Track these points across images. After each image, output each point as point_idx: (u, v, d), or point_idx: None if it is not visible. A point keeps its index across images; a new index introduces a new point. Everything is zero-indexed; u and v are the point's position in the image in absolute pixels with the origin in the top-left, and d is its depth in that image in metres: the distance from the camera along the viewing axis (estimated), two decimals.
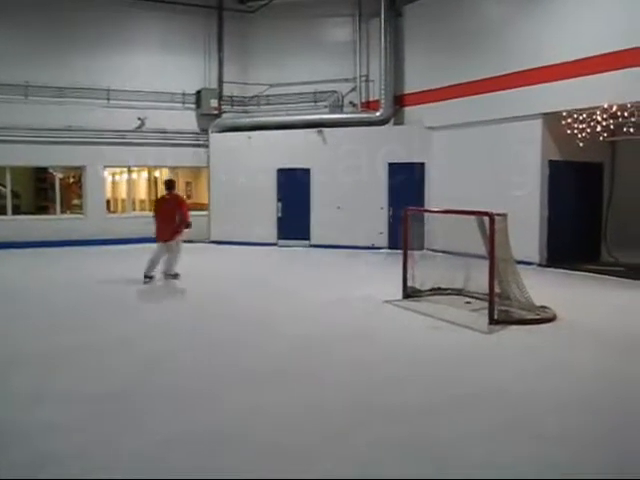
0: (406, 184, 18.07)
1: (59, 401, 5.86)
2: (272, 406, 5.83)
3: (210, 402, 5.93)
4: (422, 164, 18.13)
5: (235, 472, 4.51)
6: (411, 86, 18.83)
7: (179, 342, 8.18)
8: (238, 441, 5.03)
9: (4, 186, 19.72)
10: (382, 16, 18.71)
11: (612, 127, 13.64)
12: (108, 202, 21.91)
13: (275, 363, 7.24)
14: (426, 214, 13.84)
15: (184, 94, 20.78)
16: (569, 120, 14.02)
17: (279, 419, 5.52)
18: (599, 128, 13.63)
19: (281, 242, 19.51)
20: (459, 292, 10.97)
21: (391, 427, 5.36)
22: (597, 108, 13.33)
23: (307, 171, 19.29)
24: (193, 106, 20.94)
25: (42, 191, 22.89)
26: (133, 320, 9.52)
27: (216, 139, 20.41)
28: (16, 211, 19.74)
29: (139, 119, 20.08)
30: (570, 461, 4.73)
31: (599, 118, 13.53)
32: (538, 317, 9.26)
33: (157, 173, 23.17)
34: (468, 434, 5.19)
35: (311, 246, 19.16)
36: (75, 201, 21.86)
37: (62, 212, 20.11)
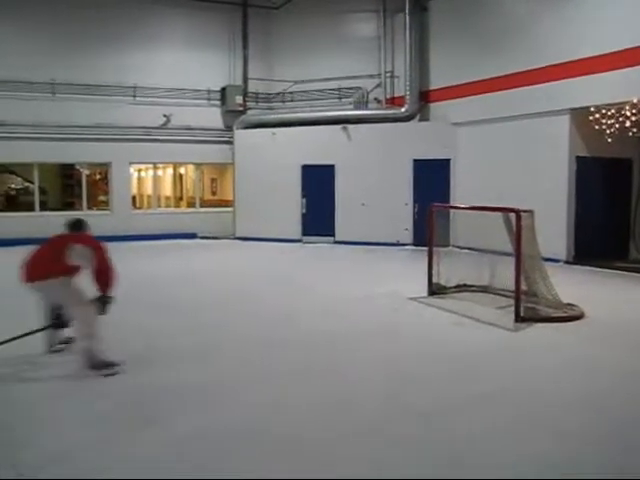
0: (431, 180, 17.99)
1: None
2: (295, 401, 5.82)
3: (235, 397, 5.94)
4: (447, 160, 18.02)
5: (256, 465, 4.53)
6: (436, 82, 18.71)
7: (205, 339, 8.19)
8: (261, 436, 5.03)
9: (32, 182, 19.95)
10: (407, 11, 18.60)
11: None
12: (134, 198, 22.07)
13: (300, 359, 7.24)
14: (452, 211, 13.75)
15: (209, 91, 20.85)
16: (597, 115, 13.83)
17: (300, 414, 5.51)
18: (628, 123, 13.43)
19: (306, 239, 19.51)
20: (485, 289, 10.89)
21: (412, 424, 5.33)
22: (626, 103, 13.14)
23: (332, 167, 19.25)
24: (218, 103, 21.00)
25: (69, 187, 23.13)
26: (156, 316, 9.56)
27: (241, 135, 20.44)
28: (43, 207, 19.96)
29: (165, 116, 20.17)
30: (592, 459, 4.67)
31: (628, 113, 13.34)
32: (565, 315, 9.16)
33: (182, 170, 23.31)
34: (489, 431, 5.15)
35: (336, 242, 19.14)
36: (101, 197, 22.05)
37: (88, 208, 20.30)
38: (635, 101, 12.87)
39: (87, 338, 6.48)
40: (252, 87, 21.23)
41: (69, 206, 22.13)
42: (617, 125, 13.62)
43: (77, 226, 7.13)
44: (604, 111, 13.74)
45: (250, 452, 4.75)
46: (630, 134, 13.76)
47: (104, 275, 6.53)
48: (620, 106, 13.35)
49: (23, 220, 18.97)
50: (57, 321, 6.96)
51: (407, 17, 18.61)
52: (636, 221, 15.38)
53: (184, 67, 20.39)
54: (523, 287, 9.22)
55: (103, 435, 5.03)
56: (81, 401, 5.83)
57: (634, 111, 13.22)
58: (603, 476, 4.44)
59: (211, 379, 6.48)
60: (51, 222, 18.75)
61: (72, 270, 6.62)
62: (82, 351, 6.55)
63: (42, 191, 20.20)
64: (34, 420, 5.36)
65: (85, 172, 20.42)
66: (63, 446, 4.81)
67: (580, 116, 14.20)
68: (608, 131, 13.75)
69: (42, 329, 6.94)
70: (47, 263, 6.60)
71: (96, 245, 6.68)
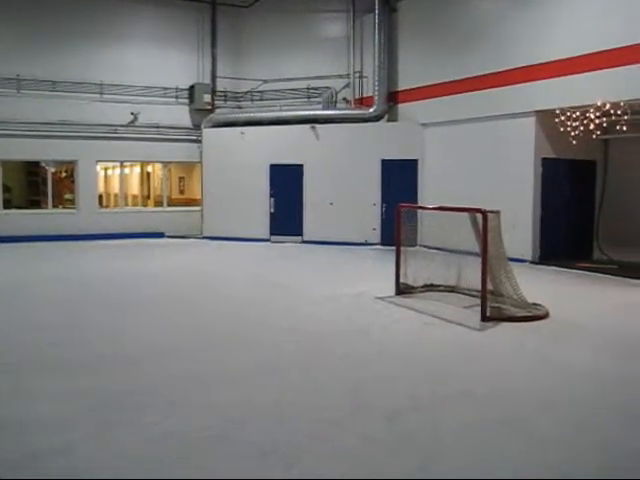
0: (399, 180, 18.09)
1: None
2: (261, 400, 5.80)
3: (205, 395, 5.91)
4: (415, 161, 18.13)
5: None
6: (405, 83, 18.80)
7: (176, 336, 8.14)
8: (227, 439, 5.01)
9: None
10: (376, 12, 18.65)
11: (605, 125, 13.64)
12: (100, 197, 21.84)
13: (266, 358, 7.21)
14: (419, 211, 13.84)
15: (177, 89, 20.74)
16: (562, 118, 14.01)
17: (266, 414, 5.50)
18: (592, 126, 13.63)
19: (274, 238, 19.48)
20: (452, 289, 10.98)
21: (378, 423, 5.35)
22: (590, 106, 13.32)
23: (300, 167, 19.26)
24: (186, 101, 20.90)
25: (34, 185, 22.78)
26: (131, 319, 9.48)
27: (209, 134, 20.35)
28: (7, 205, 19.66)
29: (132, 114, 20.02)
30: (560, 459, 4.71)
31: (592, 116, 13.54)
32: (530, 314, 9.26)
33: (150, 168, 23.13)
34: (456, 432, 5.18)
35: (304, 242, 19.15)
36: (67, 195, 21.77)
37: (54, 206, 20.04)
38: (599, 104, 13.06)
39: None
40: (221, 86, 21.15)
41: (34, 204, 21.81)
42: (582, 127, 13.81)
43: None
44: (569, 113, 13.92)
45: (218, 453, 4.74)
46: (594, 136, 13.97)
47: None
48: (585, 109, 13.54)
49: None
50: None
51: (376, 18, 18.67)
52: (600, 222, 15.62)
53: (152, 65, 20.25)
54: (489, 287, 9.31)
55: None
56: None
57: (598, 114, 13.42)
58: (572, 476, 4.50)
59: (175, 376, 6.45)
60: (15, 220, 18.87)
61: None
62: None
63: (6, 189, 19.90)
64: None
65: (51, 170, 20.16)
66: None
67: (546, 118, 14.38)
68: (573, 133, 13.93)
69: None
70: None
71: None
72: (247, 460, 4.60)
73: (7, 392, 6.00)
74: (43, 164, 20.93)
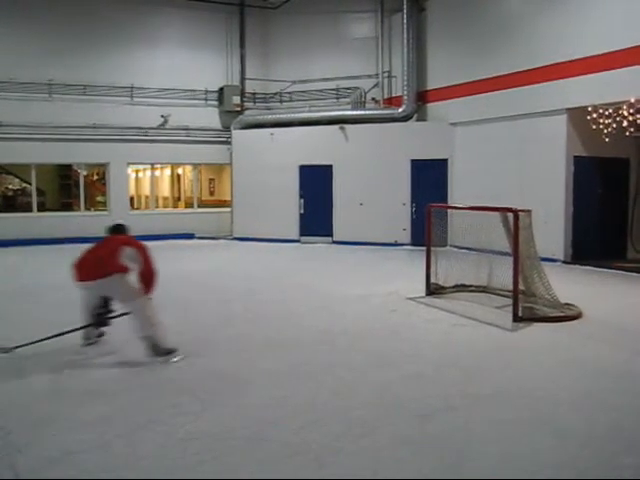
0: (429, 180, 18.01)
1: None
2: (293, 401, 5.82)
3: (237, 396, 5.94)
4: (445, 160, 18.04)
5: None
6: (434, 82, 18.71)
7: (209, 336, 8.18)
8: (259, 440, 5.02)
9: (29, 183, 19.92)
10: (405, 11, 18.58)
11: (639, 122, 13.45)
12: (132, 199, 22.06)
13: (298, 358, 7.23)
14: (449, 210, 13.75)
15: (207, 91, 20.86)
16: (595, 115, 13.84)
17: (298, 414, 5.51)
18: (625, 123, 13.45)
19: (303, 239, 19.50)
20: (483, 289, 10.90)
21: (410, 423, 5.33)
22: (624, 103, 13.15)
23: (329, 167, 19.26)
24: (216, 103, 21.02)
25: (66, 188, 23.10)
26: None
27: (238, 136, 20.43)
28: (41, 208, 19.95)
29: (162, 116, 20.17)
30: (592, 462, 4.65)
31: (625, 113, 13.36)
32: (563, 315, 9.17)
33: (180, 170, 23.31)
34: (489, 432, 5.14)
35: (334, 242, 19.14)
36: (99, 198, 22.03)
37: (86, 209, 20.30)
38: (632, 101, 12.89)
39: (151, 327, 6.99)
40: (249, 87, 21.24)
41: (67, 207, 22.11)
42: (614, 125, 13.64)
43: (120, 229, 7.69)
44: (601, 111, 13.75)
45: (254, 451, 4.75)
46: (627, 134, 13.79)
47: (148, 275, 7.04)
48: (617, 106, 13.37)
49: (21, 221, 19.01)
50: (99, 319, 7.41)
51: (405, 17, 18.60)
52: (633, 220, 15.40)
53: (181, 67, 20.40)
54: (521, 287, 9.23)
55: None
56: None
57: (631, 111, 13.24)
58: (603, 476, 4.44)
59: (208, 376, 6.50)
60: (49, 223, 19.11)
61: (126, 269, 7.02)
62: (147, 339, 7.00)
63: (40, 192, 20.18)
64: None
65: (83, 173, 20.41)
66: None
67: (577, 116, 14.21)
68: (605, 131, 13.76)
69: (86, 326, 7.42)
70: (105, 262, 6.98)
71: (141, 247, 7.18)
72: (279, 460, 4.61)
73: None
74: (75, 167, 21.21)
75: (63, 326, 7.39)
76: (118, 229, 7.65)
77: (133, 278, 7.07)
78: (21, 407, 5.72)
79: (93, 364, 7.08)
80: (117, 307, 7.48)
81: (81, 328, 7.41)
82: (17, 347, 7.14)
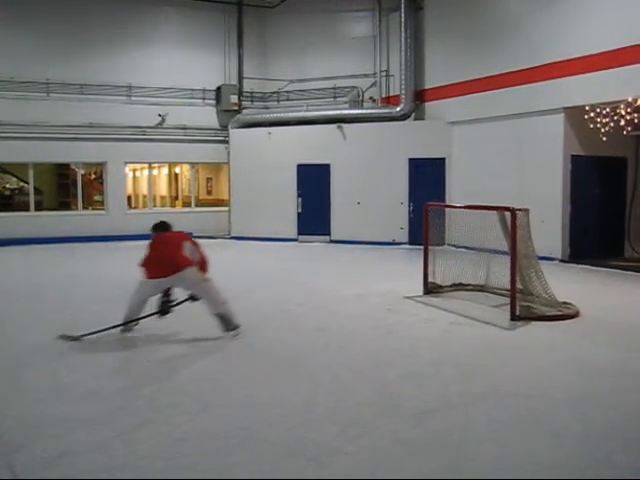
0: (427, 179, 18.02)
1: None
2: (291, 401, 5.81)
3: (234, 395, 5.94)
4: (443, 159, 18.05)
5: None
6: (432, 81, 18.71)
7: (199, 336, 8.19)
8: (256, 439, 5.01)
9: (27, 182, 19.91)
10: (402, 10, 18.58)
11: (636, 121, 13.47)
12: (129, 198, 22.05)
13: (295, 357, 7.23)
14: (447, 209, 13.75)
15: (204, 90, 20.85)
16: (592, 114, 13.86)
17: (296, 414, 5.50)
18: (623, 122, 13.47)
19: (301, 238, 19.50)
20: (481, 288, 10.90)
21: (408, 422, 5.33)
22: (621, 102, 13.17)
23: (327, 166, 19.26)
24: (213, 102, 21.01)
25: (64, 187, 23.09)
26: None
27: (236, 135, 20.42)
28: (38, 207, 19.93)
29: (160, 115, 20.16)
30: (589, 460, 4.65)
31: (623, 112, 13.38)
32: (560, 313, 9.17)
33: (178, 169, 23.30)
34: (485, 430, 5.14)
35: (331, 241, 19.15)
36: (96, 197, 22.02)
37: (84, 208, 20.28)
38: (630, 100, 12.90)
39: (223, 304, 8.03)
40: (247, 86, 21.22)
41: (64, 206, 22.10)
42: (612, 124, 13.66)
43: (166, 226, 8.48)
44: (599, 110, 13.77)
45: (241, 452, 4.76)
46: (625, 133, 13.81)
47: (205, 264, 8.17)
48: (615, 105, 13.38)
49: (18, 220, 18.99)
50: (163, 307, 8.23)
51: (402, 16, 18.60)
52: (631, 219, 15.42)
53: (179, 66, 20.38)
54: (519, 286, 9.24)
55: None
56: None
57: (629, 110, 13.25)
58: (600, 475, 4.45)
59: (204, 377, 6.48)
60: (46, 222, 19.09)
61: (192, 262, 7.93)
62: (220, 315, 7.99)
63: (37, 191, 20.17)
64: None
65: (80, 172, 20.39)
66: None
67: (575, 115, 14.22)
68: (603, 130, 13.79)
69: (152, 314, 8.17)
70: (175, 259, 7.81)
71: (195, 242, 8.31)
72: (276, 460, 4.61)
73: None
74: (73, 166, 21.20)
75: (63, 325, 7.37)
76: (164, 226, 8.43)
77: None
78: (21, 407, 5.72)
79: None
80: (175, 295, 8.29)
81: (147, 316, 8.11)
82: (84, 335, 7.71)
